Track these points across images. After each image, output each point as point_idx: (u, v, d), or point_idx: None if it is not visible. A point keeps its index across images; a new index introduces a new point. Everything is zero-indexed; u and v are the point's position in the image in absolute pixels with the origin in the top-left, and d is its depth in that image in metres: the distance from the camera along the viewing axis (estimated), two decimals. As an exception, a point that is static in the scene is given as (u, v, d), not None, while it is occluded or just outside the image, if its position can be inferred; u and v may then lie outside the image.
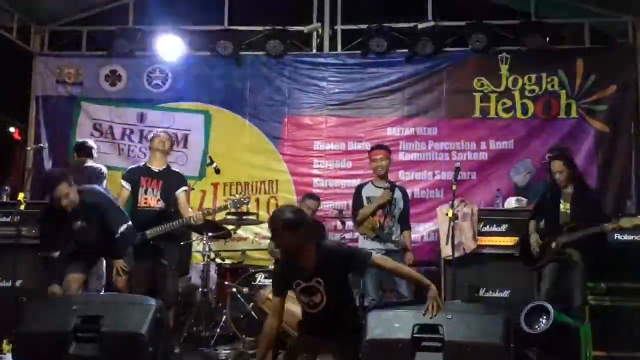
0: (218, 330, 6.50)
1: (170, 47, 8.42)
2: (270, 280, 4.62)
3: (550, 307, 4.05)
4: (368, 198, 6.52)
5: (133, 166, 6.80)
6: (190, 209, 6.41)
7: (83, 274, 5.56)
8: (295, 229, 4.12)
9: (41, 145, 8.15)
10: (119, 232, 5.59)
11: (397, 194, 6.53)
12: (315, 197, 7.65)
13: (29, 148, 7.75)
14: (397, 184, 6.76)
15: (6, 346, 4.80)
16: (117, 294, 5.01)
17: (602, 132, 8.18)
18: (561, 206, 6.03)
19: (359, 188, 6.66)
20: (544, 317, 4.03)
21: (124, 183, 6.40)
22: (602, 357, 5.96)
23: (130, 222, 5.76)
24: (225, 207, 6.67)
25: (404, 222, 6.57)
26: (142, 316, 4.17)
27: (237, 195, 7.20)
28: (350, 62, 8.72)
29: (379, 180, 6.60)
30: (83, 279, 5.54)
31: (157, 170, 6.32)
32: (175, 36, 8.37)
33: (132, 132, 8.73)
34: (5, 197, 7.45)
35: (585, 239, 5.76)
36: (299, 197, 8.11)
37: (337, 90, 8.67)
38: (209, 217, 6.86)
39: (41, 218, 6.05)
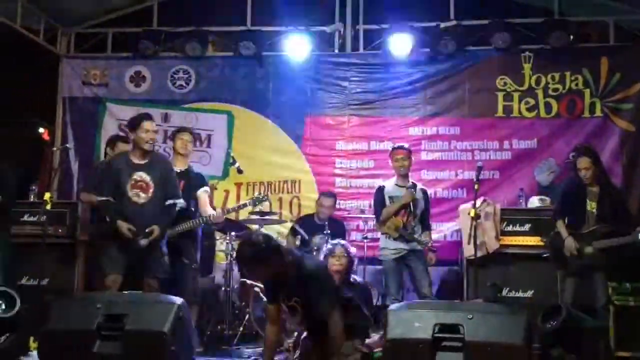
0: (241, 329, 6.54)
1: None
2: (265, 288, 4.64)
3: (564, 306, 4.02)
4: (391, 198, 6.53)
5: None
6: (210, 209, 6.43)
7: (119, 274, 5.48)
8: (264, 260, 4.09)
9: (67, 145, 8.23)
10: (171, 203, 5.70)
11: (419, 194, 6.54)
12: (330, 195, 7.67)
13: (55, 148, 7.83)
14: (418, 184, 6.74)
15: (33, 344, 4.85)
16: (141, 293, 5.03)
17: (627, 131, 8.05)
18: (587, 205, 5.95)
19: (381, 188, 6.66)
20: (558, 315, 4.00)
21: None
22: (627, 358, 5.89)
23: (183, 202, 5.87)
24: (245, 205, 6.72)
25: (425, 223, 6.57)
26: (164, 315, 4.19)
27: (256, 194, 7.23)
28: (373, 61, 8.69)
29: (400, 180, 6.60)
30: (121, 280, 5.46)
31: (178, 171, 6.33)
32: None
33: (156, 131, 8.75)
34: (32, 196, 7.55)
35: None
36: (322, 196, 8.17)
37: (359, 90, 8.64)
38: (231, 216, 6.89)
39: (103, 166, 6.22)
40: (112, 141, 6.81)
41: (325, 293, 4.24)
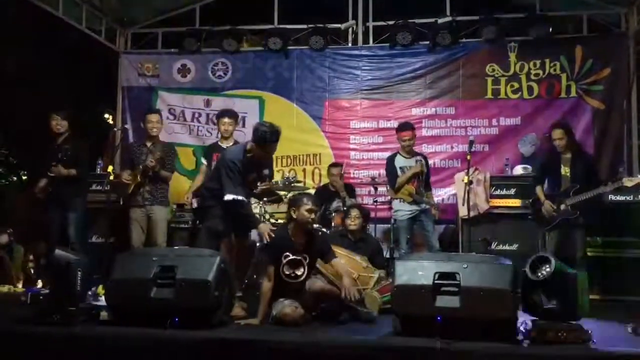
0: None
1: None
2: (268, 250, 4.78)
3: (552, 257, 3.92)
4: (401, 168, 6.45)
5: (208, 144, 6.72)
6: None
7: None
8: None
9: (126, 126, 8.24)
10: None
11: (422, 162, 6.45)
12: (337, 164, 7.65)
13: (116, 129, 7.85)
14: (420, 153, 6.65)
15: (101, 290, 4.87)
16: (189, 248, 5.02)
17: (598, 109, 7.89)
18: (562, 170, 5.86)
19: (391, 159, 6.58)
20: (547, 266, 3.90)
21: (202, 160, 6.54)
22: (598, 300, 5.84)
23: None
24: (277, 183, 6.67)
25: (427, 185, 6.54)
26: (208, 266, 4.18)
27: (288, 174, 7.17)
28: (381, 53, 8.54)
29: (406, 152, 6.50)
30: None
31: (225, 147, 6.25)
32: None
33: (200, 115, 8.76)
34: (98, 169, 7.57)
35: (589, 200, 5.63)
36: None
37: (369, 77, 8.53)
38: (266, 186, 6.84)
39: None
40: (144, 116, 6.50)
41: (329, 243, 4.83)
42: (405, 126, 6.70)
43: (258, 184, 5.32)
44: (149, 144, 6.21)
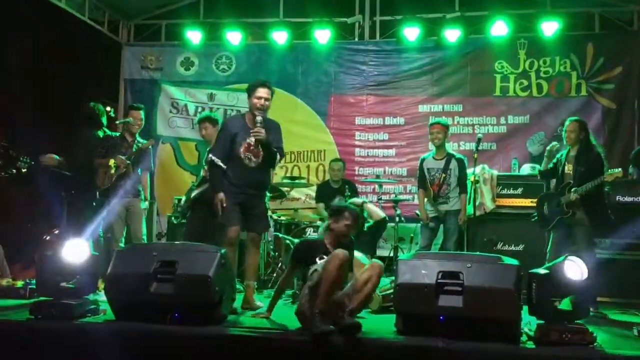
0: (274, 275, 6.56)
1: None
2: (295, 251, 4.72)
3: (582, 261, 3.93)
4: (428, 170, 6.44)
5: None
6: None
7: (239, 226, 5.11)
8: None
9: (128, 120, 8.23)
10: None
11: (453, 164, 6.38)
12: (339, 160, 7.69)
13: (117, 122, 7.88)
14: (456, 154, 6.56)
15: (101, 284, 4.90)
16: (189, 243, 5.03)
17: (608, 108, 7.90)
18: (565, 168, 5.79)
19: (422, 161, 6.58)
20: (581, 269, 3.90)
21: None
22: (605, 302, 5.83)
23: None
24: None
25: (462, 187, 6.38)
26: (209, 261, 4.21)
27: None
28: (388, 48, 8.57)
29: (437, 153, 6.48)
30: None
31: None
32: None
33: (203, 109, 8.77)
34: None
35: (586, 196, 5.54)
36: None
37: (376, 73, 8.55)
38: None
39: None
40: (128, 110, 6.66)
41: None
42: (436, 121, 6.64)
43: (277, 160, 5.28)
44: (129, 139, 6.28)
